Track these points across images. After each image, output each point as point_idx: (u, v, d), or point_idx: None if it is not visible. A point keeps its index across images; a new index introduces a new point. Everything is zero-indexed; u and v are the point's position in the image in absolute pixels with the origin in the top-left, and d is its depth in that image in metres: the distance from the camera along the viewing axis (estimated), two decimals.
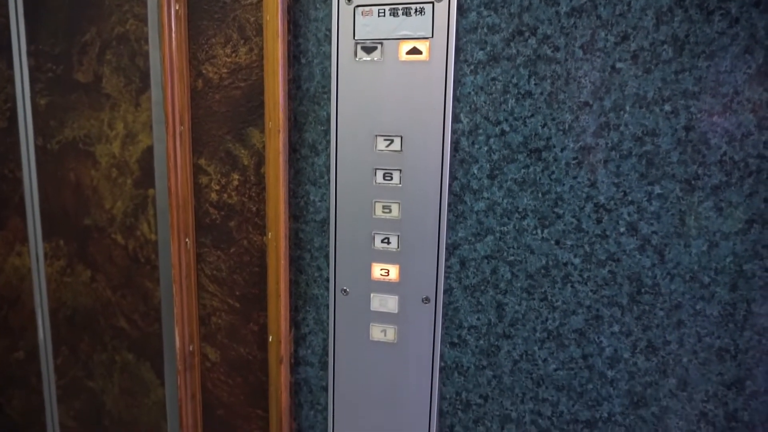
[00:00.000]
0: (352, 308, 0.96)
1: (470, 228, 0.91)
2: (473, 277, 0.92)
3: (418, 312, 0.92)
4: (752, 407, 0.76)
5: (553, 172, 0.84)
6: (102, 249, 1.12)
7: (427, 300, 0.91)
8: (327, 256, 0.98)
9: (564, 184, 0.84)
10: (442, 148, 0.86)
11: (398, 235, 0.89)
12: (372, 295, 0.94)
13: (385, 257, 0.92)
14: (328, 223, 0.96)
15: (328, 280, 0.98)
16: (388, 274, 0.92)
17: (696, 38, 0.72)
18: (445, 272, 0.91)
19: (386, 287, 0.93)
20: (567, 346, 0.89)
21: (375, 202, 0.89)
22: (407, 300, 0.92)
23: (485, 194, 0.88)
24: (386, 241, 0.90)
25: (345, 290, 0.95)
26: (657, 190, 0.81)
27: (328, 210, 0.95)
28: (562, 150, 0.83)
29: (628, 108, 0.79)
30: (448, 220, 0.89)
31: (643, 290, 0.84)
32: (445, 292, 0.93)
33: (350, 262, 0.93)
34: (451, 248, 0.91)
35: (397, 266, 0.91)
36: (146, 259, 1.10)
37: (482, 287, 0.91)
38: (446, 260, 0.91)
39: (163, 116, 0.97)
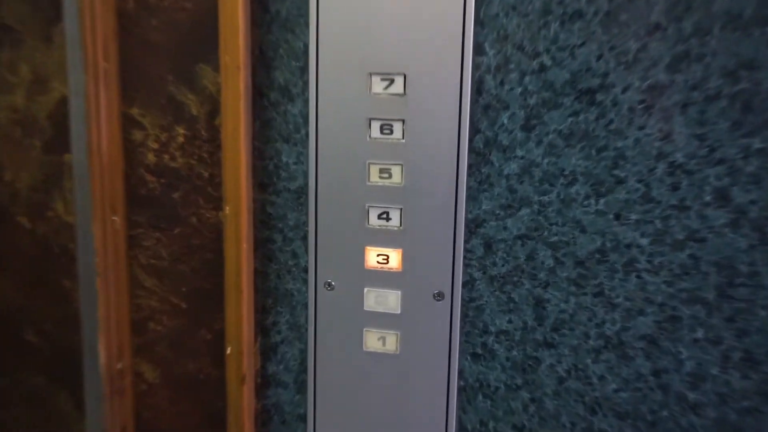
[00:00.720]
0: (339, 308, 0.95)
1: (498, 198, 0.89)
2: (502, 265, 0.90)
3: (429, 312, 0.91)
4: None
5: (611, 121, 0.82)
6: (1, 236, 1.12)
7: (440, 296, 0.89)
8: (305, 238, 0.97)
9: (627, 138, 0.82)
10: (460, 90, 0.83)
11: (401, 209, 0.88)
12: (366, 290, 0.93)
13: (384, 239, 0.90)
14: (306, 194, 0.95)
15: (306, 270, 0.97)
16: (387, 262, 0.91)
17: None
18: (465, 259, 0.90)
19: (385, 279, 0.91)
20: (632, 359, 0.88)
21: (369, 164, 0.88)
22: (413, 296, 0.91)
23: (519, 152, 0.86)
24: (385, 216, 0.88)
25: (329, 284, 0.93)
26: (756, 144, 0.78)
27: (305, 176, 0.94)
28: (623, 91, 0.81)
29: (716, 31, 0.77)
30: (469, 188, 0.88)
31: (737, 281, 0.81)
32: (464, 285, 0.91)
33: (336, 245, 0.92)
34: (473, 226, 0.89)
35: (400, 251, 0.89)
36: (62, 248, 1.09)
37: (515, 278, 0.90)
38: (466, 242, 0.90)
39: (81, 52, 0.92)
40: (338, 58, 0.87)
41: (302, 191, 0.96)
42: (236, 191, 0.94)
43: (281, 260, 0.99)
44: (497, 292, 0.92)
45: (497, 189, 0.90)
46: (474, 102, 0.86)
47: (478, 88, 0.86)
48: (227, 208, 0.94)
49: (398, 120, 0.85)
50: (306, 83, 0.92)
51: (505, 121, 0.87)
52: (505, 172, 0.89)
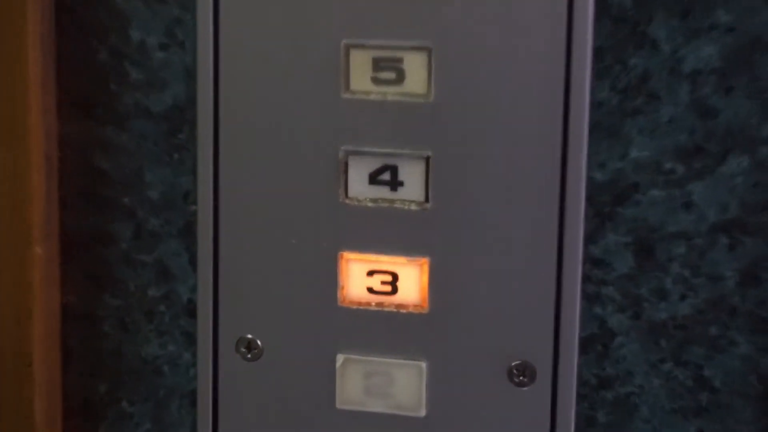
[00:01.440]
0: (272, 405, 0.58)
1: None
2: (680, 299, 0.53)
3: (499, 416, 0.54)
4: None
5: None
6: None
7: (523, 374, 0.52)
8: (189, 233, 0.58)
9: None
10: None
11: (427, 157, 0.53)
12: (341, 358, 0.55)
13: (387, 233, 0.53)
14: (189, 115, 0.58)
15: (192, 311, 0.59)
16: (393, 288, 0.53)
17: None
18: (589, 281, 0.54)
19: (389, 332, 0.54)
20: None
21: (346, 45, 0.52)
22: (458, 374, 0.54)
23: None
24: (387, 179, 0.52)
25: (249, 344, 0.56)
26: None
27: (187, 71, 0.57)
28: None
29: None
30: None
31: None
32: (585, 345, 0.54)
33: (268, 250, 0.55)
34: (608, 194, 0.54)
35: (424, 262, 0.53)
36: None
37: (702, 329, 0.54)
38: (591, 241, 0.54)
39: None
40: None
41: (181, 109, 0.57)
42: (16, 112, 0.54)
43: (129, 287, 0.60)
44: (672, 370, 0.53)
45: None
46: None
47: None
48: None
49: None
50: None
51: None
52: None
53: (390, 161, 0.50)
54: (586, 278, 0.50)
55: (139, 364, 0.61)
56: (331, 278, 0.53)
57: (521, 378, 0.50)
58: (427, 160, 0.50)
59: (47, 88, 0.51)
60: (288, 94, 0.51)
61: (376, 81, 0.49)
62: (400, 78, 0.49)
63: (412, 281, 0.52)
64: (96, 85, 0.54)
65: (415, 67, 0.49)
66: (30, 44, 0.50)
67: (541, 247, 0.50)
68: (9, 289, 0.53)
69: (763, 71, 0.49)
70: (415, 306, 0.52)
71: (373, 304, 0.52)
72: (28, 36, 0.50)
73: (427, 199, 0.49)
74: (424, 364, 0.52)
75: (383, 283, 0.51)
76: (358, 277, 0.53)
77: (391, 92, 0.49)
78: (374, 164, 0.50)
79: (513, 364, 0.50)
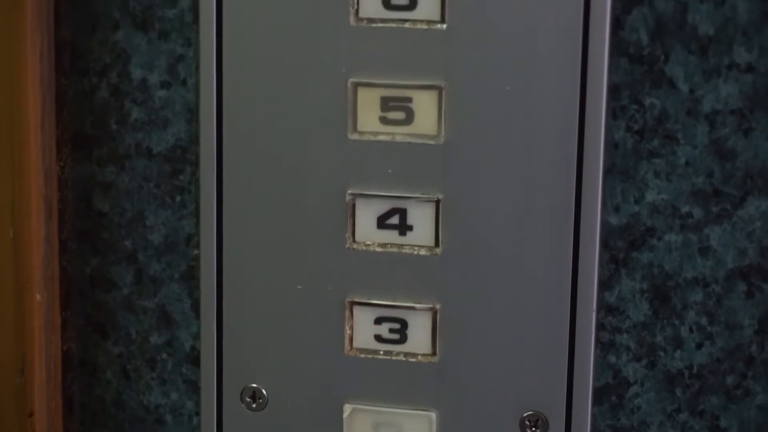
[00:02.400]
0: None
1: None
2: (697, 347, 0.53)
3: None
4: None
5: None
6: None
7: (534, 426, 0.52)
8: (191, 277, 0.57)
9: None
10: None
11: (437, 200, 0.52)
12: (348, 408, 0.54)
13: (395, 277, 0.53)
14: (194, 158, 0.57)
15: (196, 358, 0.57)
16: (402, 337, 0.52)
17: None
18: (607, 327, 0.53)
19: (399, 380, 0.54)
20: None
21: (354, 84, 0.51)
22: (471, 424, 0.54)
23: None
24: (396, 223, 0.52)
25: (254, 394, 0.56)
26: None
27: (188, 110, 0.55)
28: None
29: None
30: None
31: None
32: (600, 396, 0.54)
33: (275, 299, 0.54)
34: (622, 239, 0.54)
35: (430, 312, 0.52)
36: None
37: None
38: (609, 280, 0.53)
39: None
40: None
41: (183, 149, 0.56)
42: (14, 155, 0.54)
43: (131, 333, 0.59)
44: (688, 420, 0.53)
45: None
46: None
47: None
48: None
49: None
50: None
51: None
52: None
53: (399, 204, 0.49)
54: (601, 326, 0.49)
55: (142, 412, 0.61)
56: (337, 325, 0.52)
57: (534, 429, 0.49)
58: (438, 203, 0.49)
59: (47, 129, 0.50)
60: (294, 135, 0.50)
61: (384, 121, 0.48)
62: (410, 118, 0.48)
63: (422, 329, 0.51)
64: (96, 125, 0.53)
65: (425, 106, 0.48)
66: (29, 85, 0.49)
67: (554, 294, 0.49)
68: (9, 336, 0.52)
69: None
70: (425, 355, 0.51)
71: (381, 352, 0.51)
72: (28, 77, 0.49)
73: (437, 244, 0.48)
74: (434, 414, 0.51)
75: (392, 330, 0.51)
76: (365, 324, 0.52)
77: (400, 133, 0.48)
78: (382, 207, 0.49)
79: (525, 414, 0.49)
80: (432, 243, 0.48)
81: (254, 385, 0.54)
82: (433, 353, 0.51)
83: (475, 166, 0.48)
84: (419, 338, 0.51)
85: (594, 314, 0.48)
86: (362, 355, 0.51)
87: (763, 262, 0.48)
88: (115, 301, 0.57)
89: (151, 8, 0.51)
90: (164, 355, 0.59)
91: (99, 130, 0.54)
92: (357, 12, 0.47)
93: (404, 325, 0.50)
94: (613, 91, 0.47)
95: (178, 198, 0.53)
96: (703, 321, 0.48)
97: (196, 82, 0.51)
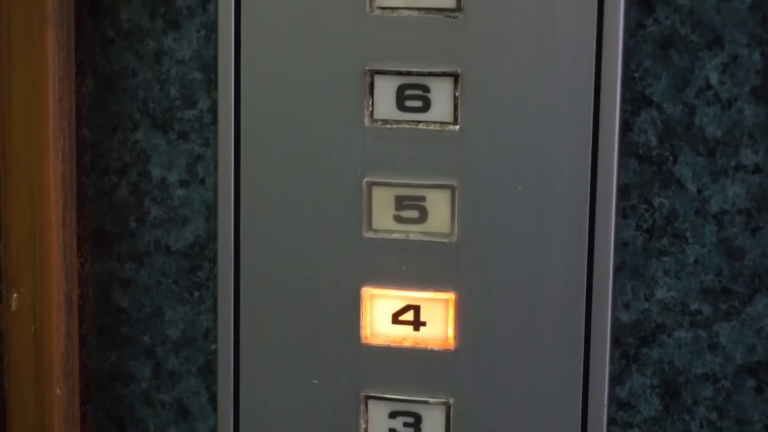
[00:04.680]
0: None
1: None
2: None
3: None
4: None
5: None
6: None
7: None
8: (209, 371, 0.56)
9: None
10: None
11: (454, 293, 0.51)
12: None
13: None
14: (213, 255, 0.56)
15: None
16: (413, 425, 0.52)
17: None
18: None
19: None
20: None
21: (369, 183, 0.50)
22: None
23: None
24: (410, 319, 0.51)
25: None
26: None
27: (210, 211, 0.55)
28: None
29: None
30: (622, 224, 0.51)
31: None
32: None
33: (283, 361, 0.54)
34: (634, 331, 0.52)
35: (446, 406, 0.52)
36: None
37: None
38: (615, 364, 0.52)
39: None
40: None
41: (201, 246, 0.50)
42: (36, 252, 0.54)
43: (149, 427, 0.57)
44: None
45: None
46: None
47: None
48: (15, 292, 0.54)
49: (443, 74, 0.50)
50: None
51: None
52: None
53: (413, 301, 0.49)
54: (612, 421, 0.49)
55: None
56: (352, 419, 0.51)
57: None
58: (447, 302, 0.49)
59: (68, 227, 0.50)
60: (309, 234, 0.51)
61: (398, 219, 0.48)
62: (423, 217, 0.48)
63: (436, 423, 0.50)
64: (116, 222, 0.53)
65: (439, 205, 0.48)
66: (51, 184, 0.49)
67: (566, 389, 0.48)
68: (29, 431, 0.52)
69: None
70: None
71: None
72: (50, 176, 0.49)
73: (450, 340, 0.48)
74: None
75: (406, 425, 0.50)
76: (380, 418, 0.52)
77: (414, 231, 0.48)
78: (397, 304, 0.49)
79: None
80: (445, 338, 0.48)
81: None
82: None
83: (487, 265, 0.48)
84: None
85: (605, 409, 0.48)
86: None
87: None
88: (133, 394, 0.56)
89: (171, 110, 0.51)
90: None
91: (119, 227, 0.53)
92: (372, 113, 0.47)
93: (418, 419, 0.50)
94: (623, 191, 0.47)
95: (196, 293, 0.53)
96: (713, 416, 0.48)
97: (215, 181, 0.50)
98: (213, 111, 0.51)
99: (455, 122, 0.46)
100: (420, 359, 0.49)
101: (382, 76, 0.47)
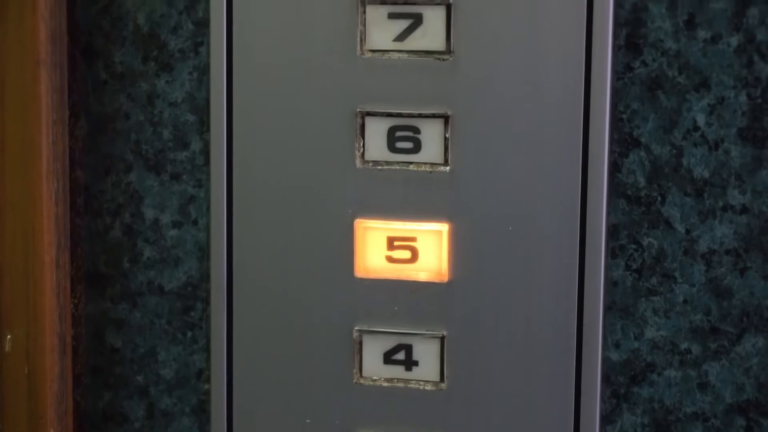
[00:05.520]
0: None
1: None
2: None
3: None
4: None
5: None
6: None
7: None
8: (202, 409, 0.55)
9: None
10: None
11: (443, 336, 0.51)
12: None
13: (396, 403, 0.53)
14: (206, 294, 0.56)
15: None
16: None
17: None
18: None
19: None
20: None
21: (359, 222, 0.51)
22: None
23: None
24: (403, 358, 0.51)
25: None
26: None
27: (201, 251, 0.55)
28: None
29: None
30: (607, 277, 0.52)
31: None
32: None
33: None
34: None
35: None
36: None
37: None
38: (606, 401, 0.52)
39: None
40: None
41: (194, 287, 0.52)
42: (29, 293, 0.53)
43: None
44: None
45: None
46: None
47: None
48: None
49: (437, 115, 0.50)
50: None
51: None
52: None
53: (404, 340, 0.49)
54: None
55: None
56: None
57: None
58: (442, 339, 0.48)
59: (61, 268, 0.50)
60: (301, 275, 0.51)
61: (391, 260, 0.48)
62: (414, 257, 0.48)
63: None
64: (109, 263, 0.53)
65: (430, 246, 0.49)
66: (45, 226, 0.49)
67: (557, 429, 0.48)
68: None
69: None
70: None
71: None
72: (43, 218, 0.49)
73: (442, 379, 0.48)
74: None
75: None
76: None
77: (406, 271, 0.49)
78: (389, 343, 0.49)
79: None
80: (437, 378, 0.48)
81: None
82: None
83: (478, 305, 0.48)
84: None
85: None
86: None
87: (761, 398, 0.48)
88: None
89: (164, 151, 0.51)
90: None
91: (112, 268, 0.53)
92: (363, 155, 0.47)
93: None
94: (612, 231, 0.48)
95: (190, 334, 0.53)
96: None
97: (207, 221, 0.51)
98: (205, 152, 0.51)
99: (446, 163, 0.47)
100: (411, 399, 0.49)
101: (373, 117, 0.47)
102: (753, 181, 0.46)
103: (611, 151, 0.47)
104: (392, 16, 0.47)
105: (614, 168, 0.47)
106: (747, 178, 0.46)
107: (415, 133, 0.47)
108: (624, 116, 0.46)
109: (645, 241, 0.47)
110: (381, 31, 0.47)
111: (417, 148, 0.47)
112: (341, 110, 0.48)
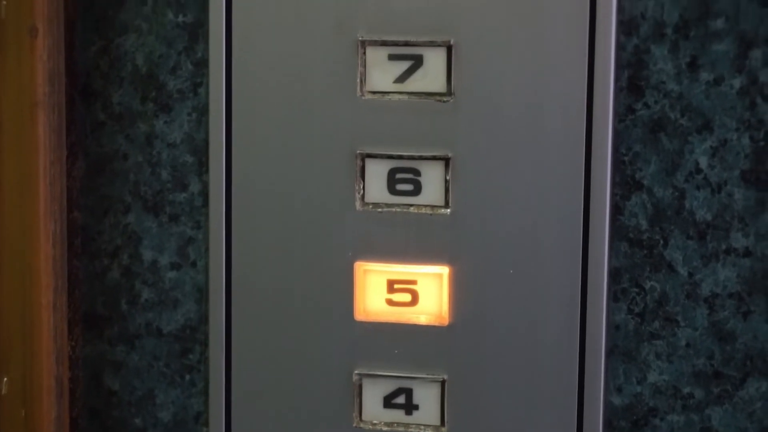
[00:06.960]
0: None
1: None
2: None
3: None
4: None
5: None
6: None
7: None
8: None
9: None
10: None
11: (444, 380, 0.51)
12: None
13: None
14: (204, 336, 0.55)
15: None
16: None
17: None
18: None
19: None
20: None
21: (359, 265, 0.50)
22: None
23: None
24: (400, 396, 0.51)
25: None
26: None
27: (199, 293, 0.54)
28: None
29: None
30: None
31: None
32: None
33: None
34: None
35: None
36: None
37: None
38: None
39: None
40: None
41: (193, 329, 0.54)
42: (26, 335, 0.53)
43: None
44: None
45: None
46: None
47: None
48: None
49: (438, 157, 0.50)
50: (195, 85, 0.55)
51: None
52: None
53: (405, 384, 0.48)
54: None
55: None
56: None
57: None
58: (443, 383, 0.48)
59: (58, 310, 0.50)
60: (301, 319, 0.50)
61: (391, 303, 0.48)
62: (415, 300, 0.48)
63: None
64: (107, 305, 0.53)
65: (430, 289, 0.48)
66: (42, 268, 0.49)
67: None
68: None
69: None
70: None
71: None
72: (41, 260, 0.48)
73: (443, 423, 0.48)
74: None
75: None
76: None
77: (406, 315, 0.49)
78: (389, 387, 0.49)
79: None
80: (438, 422, 0.48)
81: None
82: None
83: (478, 348, 0.48)
84: None
85: None
86: None
87: None
88: None
89: (162, 192, 0.51)
90: None
91: (110, 310, 0.53)
92: (363, 197, 0.47)
93: None
94: (614, 274, 0.47)
95: (188, 376, 0.52)
96: None
97: (206, 263, 0.50)
98: (204, 194, 0.50)
99: (446, 206, 0.46)
100: None
101: (373, 159, 0.47)
102: (756, 224, 0.46)
103: (613, 194, 0.47)
104: (393, 57, 0.46)
105: (616, 211, 0.46)
106: (750, 221, 0.46)
107: (415, 175, 0.46)
108: (626, 158, 0.46)
109: (647, 285, 0.46)
110: (381, 72, 0.46)
111: (417, 190, 0.46)
112: (341, 152, 0.47)
